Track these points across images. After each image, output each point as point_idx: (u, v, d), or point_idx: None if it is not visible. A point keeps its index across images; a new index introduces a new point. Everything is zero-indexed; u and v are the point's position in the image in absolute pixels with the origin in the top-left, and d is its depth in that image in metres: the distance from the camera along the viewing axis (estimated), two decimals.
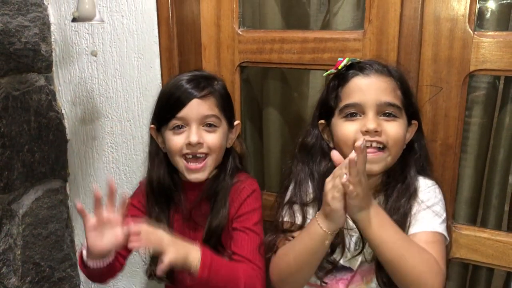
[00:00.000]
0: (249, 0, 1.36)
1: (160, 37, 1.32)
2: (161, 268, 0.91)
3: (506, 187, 1.22)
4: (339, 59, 1.03)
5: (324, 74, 1.08)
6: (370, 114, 0.96)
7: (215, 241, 1.10)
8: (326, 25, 1.31)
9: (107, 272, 1.06)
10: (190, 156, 1.07)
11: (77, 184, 1.57)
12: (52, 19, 1.45)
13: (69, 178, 1.57)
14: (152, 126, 1.13)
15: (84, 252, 1.00)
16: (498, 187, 1.21)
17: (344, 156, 0.99)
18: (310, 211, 1.05)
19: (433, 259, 0.91)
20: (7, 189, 1.33)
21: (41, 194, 1.46)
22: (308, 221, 1.05)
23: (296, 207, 1.06)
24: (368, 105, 0.97)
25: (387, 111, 0.97)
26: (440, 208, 1.00)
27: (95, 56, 1.41)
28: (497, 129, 1.19)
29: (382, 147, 0.97)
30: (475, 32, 1.08)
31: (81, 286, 1.65)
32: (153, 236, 0.94)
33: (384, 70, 1.01)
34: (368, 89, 0.98)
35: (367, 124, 0.95)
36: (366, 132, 0.95)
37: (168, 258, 0.91)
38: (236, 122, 1.15)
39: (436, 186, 1.04)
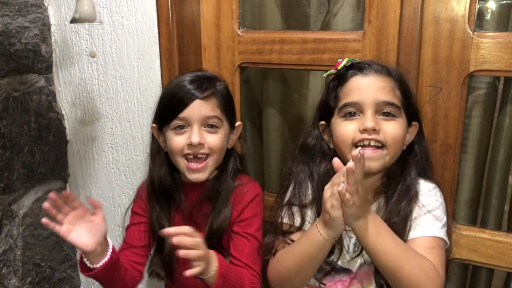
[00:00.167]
0: (249, 0, 1.36)
1: (160, 38, 1.32)
2: (189, 273, 0.93)
3: (506, 187, 1.22)
4: (339, 60, 1.03)
5: (324, 75, 1.08)
6: (369, 113, 0.96)
7: (216, 242, 1.10)
8: (326, 26, 1.32)
9: (115, 275, 1.05)
10: (191, 157, 1.08)
11: (77, 184, 1.57)
12: (52, 20, 1.45)
13: (69, 179, 1.58)
14: (154, 125, 1.14)
15: (83, 257, 1.01)
16: (498, 188, 1.21)
17: (343, 156, 1.00)
18: (309, 213, 1.06)
19: (431, 266, 0.91)
20: (7, 190, 1.33)
21: (41, 194, 1.46)
22: (307, 223, 1.05)
23: (295, 209, 1.06)
24: (367, 104, 0.97)
25: (385, 110, 0.97)
26: (440, 212, 1.00)
27: (94, 57, 1.41)
28: (497, 130, 1.19)
29: (381, 146, 0.97)
30: (475, 33, 1.08)
31: (81, 286, 1.65)
32: (194, 241, 0.94)
33: (383, 70, 1.01)
34: (366, 88, 0.98)
35: (365, 122, 0.95)
36: (364, 131, 0.95)
37: (199, 268, 0.93)
38: (237, 123, 1.15)
39: (437, 189, 1.04)
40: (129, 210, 1.24)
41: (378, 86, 0.98)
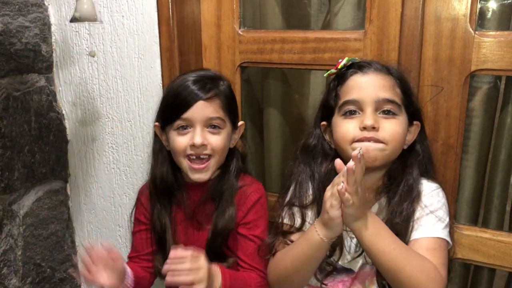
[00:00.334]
0: (250, 0, 1.36)
1: (160, 38, 1.32)
2: None
3: (508, 187, 1.21)
4: (340, 60, 1.03)
5: (324, 75, 1.08)
6: (369, 110, 0.96)
7: (220, 242, 1.11)
8: (327, 25, 1.31)
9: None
10: (194, 157, 1.08)
11: (77, 184, 1.57)
12: (52, 19, 1.45)
13: (70, 179, 1.57)
14: (157, 124, 1.14)
15: None
16: (499, 187, 1.21)
17: (343, 154, 0.99)
18: (309, 213, 1.05)
19: (433, 267, 0.90)
20: (8, 190, 1.33)
21: (42, 194, 1.46)
22: (307, 224, 1.05)
23: (296, 209, 1.06)
24: (367, 102, 0.97)
25: (386, 108, 0.97)
26: (443, 212, 0.99)
27: (93, 57, 1.41)
28: (498, 129, 1.19)
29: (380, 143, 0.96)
30: (476, 32, 1.08)
31: (82, 287, 1.65)
32: (195, 265, 0.94)
33: (383, 68, 1.01)
34: (366, 86, 0.98)
35: (365, 120, 0.95)
36: (364, 129, 0.95)
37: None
38: (240, 123, 1.15)
39: (440, 189, 1.03)
40: (133, 213, 1.25)
41: (378, 84, 0.98)
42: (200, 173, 1.09)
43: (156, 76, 1.35)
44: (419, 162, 1.04)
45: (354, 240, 1.02)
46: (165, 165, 1.14)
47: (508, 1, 1.11)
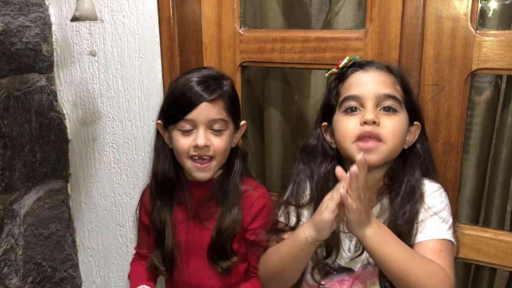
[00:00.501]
0: None
1: (161, 37, 1.32)
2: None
3: (509, 186, 1.21)
4: (340, 60, 1.03)
5: (326, 75, 1.08)
6: (369, 106, 0.96)
7: (224, 242, 1.11)
8: (327, 25, 1.31)
9: None
10: (196, 158, 1.08)
11: (78, 184, 1.57)
12: (53, 19, 1.45)
13: (70, 178, 1.57)
14: (159, 122, 1.14)
15: None
16: (500, 187, 1.21)
17: (344, 152, 0.99)
18: (305, 213, 1.05)
19: (440, 270, 0.89)
20: (9, 189, 1.33)
21: (42, 194, 1.46)
22: (301, 223, 1.05)
23: (292, 208, 1.06)
24: (367, 98, 0.96)
25: (386, 105, 0.97)
26: (446, 213, 0.98)
27: (94, 56, 1.41)
28: (499, 128, 1.19)
29: (379, 140, 0.96)
30: (477, 31, 1.08)
31: (82, 286, 1.65)
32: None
33: (384, 67, 1.01)
34: (367, 82, 0.98)
35: (365, 115, 0.95)
36: (365, 123, 0.95)
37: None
38: (242, 122, 1.16)
39: (442, 189, 1.02)
40: (137, 212, 1.27)
41: (379, 80, 0.98)
42: (202, 172, 1.10)
43: (157, 76, 1.35)
44: (420, 162, 1.03)
45: (353, 240, 1.02)
46: (167, 162, 1.14)
47: (509, 0, 1.11)
